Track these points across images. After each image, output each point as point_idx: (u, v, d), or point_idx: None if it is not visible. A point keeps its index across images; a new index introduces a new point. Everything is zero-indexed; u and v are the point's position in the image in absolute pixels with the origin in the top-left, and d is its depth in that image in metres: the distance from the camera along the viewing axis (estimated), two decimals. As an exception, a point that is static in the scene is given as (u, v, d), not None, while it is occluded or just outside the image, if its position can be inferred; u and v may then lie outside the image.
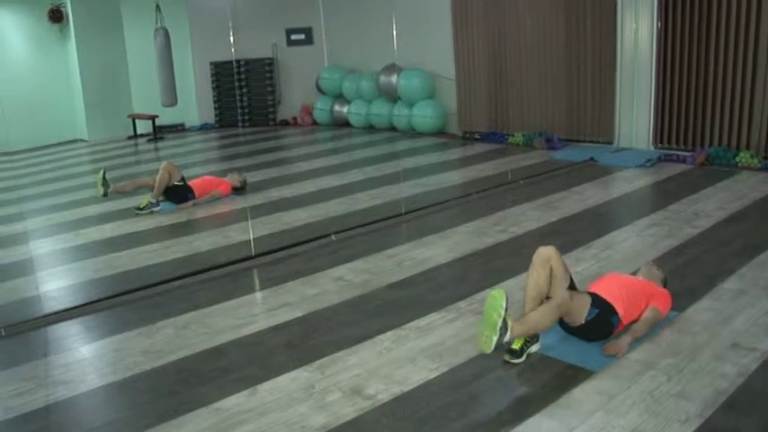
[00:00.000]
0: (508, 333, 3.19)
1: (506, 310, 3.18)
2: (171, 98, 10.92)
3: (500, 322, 3.15)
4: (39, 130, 13.37)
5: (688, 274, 4.44)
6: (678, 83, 8.26)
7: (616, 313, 3.49)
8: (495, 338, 3.14)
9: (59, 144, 13.46)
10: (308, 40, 13.68)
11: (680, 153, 8.18)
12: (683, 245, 5.07)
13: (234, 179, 7.65)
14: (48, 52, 13.49)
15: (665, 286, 3.93)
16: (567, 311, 3.39)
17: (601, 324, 3.47)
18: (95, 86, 13.35)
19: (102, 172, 7.43)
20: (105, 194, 7.37)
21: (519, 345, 3.37)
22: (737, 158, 7.62)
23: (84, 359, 3.75)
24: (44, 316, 4.36)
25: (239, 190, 7.64)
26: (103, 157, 11.36)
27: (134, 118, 13.33)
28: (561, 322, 3.56)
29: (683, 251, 4.93)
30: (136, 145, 12.60)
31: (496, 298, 3.20)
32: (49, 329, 4.19)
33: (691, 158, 7.93)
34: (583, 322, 3.43)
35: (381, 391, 3.17)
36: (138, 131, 13.35)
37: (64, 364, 3.69)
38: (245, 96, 13.88)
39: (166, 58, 10.79)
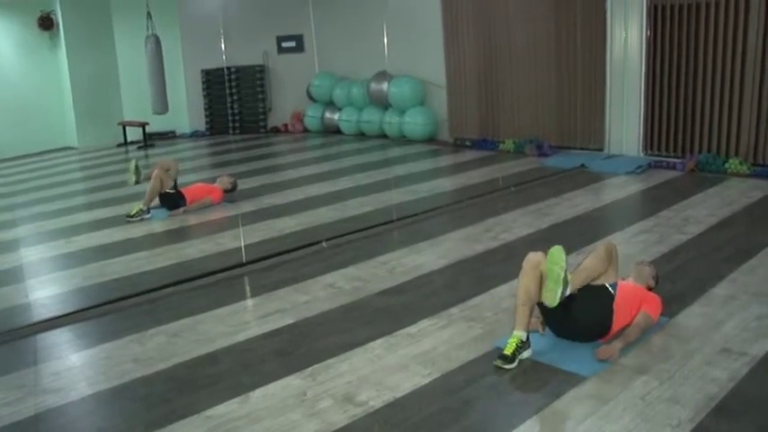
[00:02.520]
0: (569, 286, 3.36)
1: (566, 262, 3.35)
2: (162, 106, 10.88)
3: (563, 274, 3.31)
4: (28, 137, 13.29)
5: (678, 280, 4.45)
6: (667, 90, 8.32)
7: (613, 312, 3.50)
8: (559, 291, 3.31)
9: (49, 151, 13.39)
10: (299, 48, 13.69)
11: (670, 160, 8.23)
12: (674, 251, 5.09)
13: (224, 182, 7.65)
14: (38, 59, 13.44)
15: (656, 283, 3.95)
16: (612, 258, 3.53)
17: (603, 305, 3.49)
18: (85, 94, 13.31)
19: (134, 162, 8.10)
20: (138, 182, 7.95)
21: (511, 350, 3.38)
22: (726, 165, 7.67)
23: (74, 367, 3.73)
24: (34, 324, 4.33)
25: (229, 192, 7.64)
26: (94, 165, 11.33)
27: (124, 125, 13.29)
28: (555, 322, 3.56)
29: (673, 257, 4.96)
30: (126, 152, 12.56)
31: (556, 254, 3.36)
32: (39, 337, 4.16)
33: (680, 165, 7.98)
34: (606, 284, 3.53)
35: (373, 398, 3.17)
36: (129, 139, 13.31)
37: (54, 372, 3.67)
38: (235, 103, 13.87)
39: (157, 66, 10.76)
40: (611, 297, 3.51)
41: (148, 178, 7.52)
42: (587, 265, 3.53)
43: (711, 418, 2.85)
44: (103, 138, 13.40)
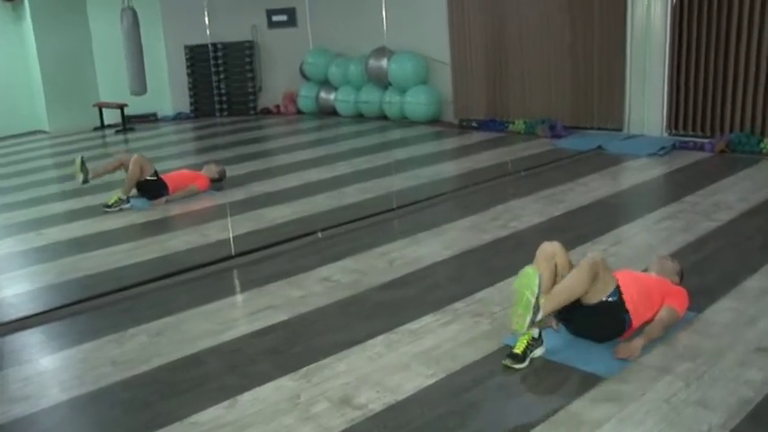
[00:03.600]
0: (540, 311, 3.28)
1: (540, 287, 3.27)
2: (140, 86, 10.81)
3: (533, 300, 3.24)
4: (-7, 120, 13.26)
5: (706, 272, 4.44)
6: (695, 63, 8.25)
7: (627, 312, 3.48)
8: (528, 318, 3.23)
9: (17, 136, 13.35)
10: (291, 22, 13.64)
11: (697, 140, 8.19)
12: (701, 240, 5.08)
13: (211, 171, 7.64)
14: (0, 34, 13.33)
15: (681, 279, 3.92)
16: (596, 276, 3.39)
17: (614, 315, 3.45)
18: (56, 72, 13.23)
19: (80, 159, 7.49)
20: (86, 181, 7.43)
21: (521, 348, 3.37)
22: (762, 145, 7.63)
23: (45, 372, 3.72)
24: (1, 325, 4.31)
25: (217, 182, 7.64)
26: (67, 150, 11.30)
27: (101, 107, 13.25)
28: (568, 319, 3.54)
29: (700, 247, 4.94)
30: (103, 137, 12.54)
31: (530, 275, 3.29)
32: (7, 340, 4.14)
33: (709, 145, 7.95)
34: (603, 299, 3.42)
35: (373, 401, 3.16)
36: (106, 122, 13.28)
37: (23, 377, 3.65)
38: (222, 83, 13.84)
39: (135, 42, 10.67)
40: (617, 304, 3.45)
41: (99, 174, 7.46)
42: (566, 285, 3.39)
43: (746, 425, 2.83)
44: (78, 121, 13.35)
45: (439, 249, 5.23)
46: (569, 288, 3.38)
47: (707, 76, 8.19)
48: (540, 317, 3.29)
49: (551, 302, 3.34)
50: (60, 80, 13.28)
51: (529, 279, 3.28)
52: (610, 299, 3.44)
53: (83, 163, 7.43)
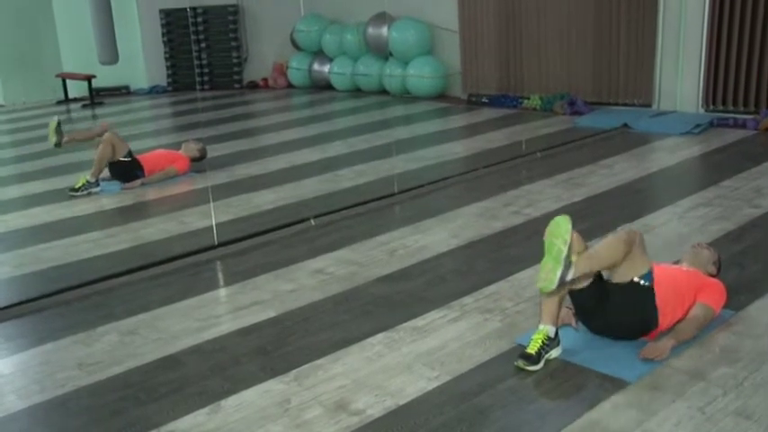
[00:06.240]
0: (572, 269, 3.21)
1: (572, 236, 3.22)
2: (110, 54, 10.83)
3: (565, 251, 3.18)
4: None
5: (747, 264, 4.44)
6: (738, 29, 8.20)
7: (656, 308, 3.47)
8: (558, 272, 3.16)
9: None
10: (281, -16, 13.62)
11: (738, 116, 8.19)
12: (741, 228, 5.08)
13: (190, 149, 7.65)
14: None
15: (719, 270, 3.91)
16: (631, 248, 3.37)
17: (643, 302, 3.44)
18: (11, 38, 13.15)
19: (56, 120, 7.52)
20: (59, 144, 7.47)
21: (536, 348, 3.37)
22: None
23: (0, 376, 3.71)
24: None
25: (197, 161, 7.65)
26: (26, 126, 11.31)
27: (64, 78, 13.21)
28: (588, 315, 3.55)
29: (740, 236, 4.94)
30: (68, 111, 12.53)
31: (560, 224, 3.25)
32: (-41, 339, 4.16)
33: (752, 122, 7.94)
34: (634, 279, 3.42)
35: (371, 406, 3.17)
36: (71, 95, 13.27)
37: (-25, 383, 3.66)
38: (203, 53, 13.82)
39: (103, 4, 10.70)
40: (648, 292, 3.45)
41: (74, 140, 7.52)
42: (600, 250, 3.38)
43: (793, 438, 2.84)
44: (37, 93, 13.33)
45: (445, 238, 5.24)
46: (602, 251, 3.36)
47: (752, 44, 8.15)
48: (570, 276, 3.21)
49: (583, 263, 3.27)
50: (15, 47, 13.21)
51: (559, 227, 3.23)
52: (642, 282, 3.44)
53: (59, 125, 7.49)
